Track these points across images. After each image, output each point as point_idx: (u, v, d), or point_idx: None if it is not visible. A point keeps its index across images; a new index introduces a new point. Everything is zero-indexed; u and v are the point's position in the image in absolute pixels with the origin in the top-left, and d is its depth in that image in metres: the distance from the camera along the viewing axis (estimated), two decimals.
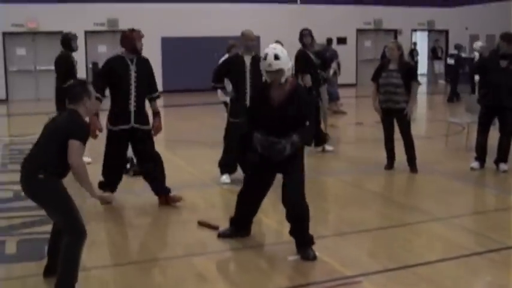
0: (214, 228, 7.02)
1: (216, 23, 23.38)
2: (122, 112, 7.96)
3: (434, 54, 26.21)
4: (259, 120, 6.18)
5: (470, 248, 6.44)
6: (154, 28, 23.09)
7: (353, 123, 16.44)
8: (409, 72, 9.86)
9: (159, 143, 12.86)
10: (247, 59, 8.95)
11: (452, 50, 21.76)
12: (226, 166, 9.30)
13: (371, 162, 10.53)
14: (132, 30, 7.98)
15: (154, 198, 8.11)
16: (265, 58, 5.97)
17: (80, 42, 22.97)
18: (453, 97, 20.28)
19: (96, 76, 8.17)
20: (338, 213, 8.10)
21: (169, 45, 24.07)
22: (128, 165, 9.45)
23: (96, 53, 24.08)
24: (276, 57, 5.98)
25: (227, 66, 9.26)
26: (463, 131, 13.01)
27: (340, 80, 19.86)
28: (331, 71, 17.71)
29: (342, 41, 25.66)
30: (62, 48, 10.58)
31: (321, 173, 10.29)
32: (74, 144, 5.09)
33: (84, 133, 5.24)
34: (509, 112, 9.71)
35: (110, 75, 7.99)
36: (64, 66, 10.32)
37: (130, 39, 7.92)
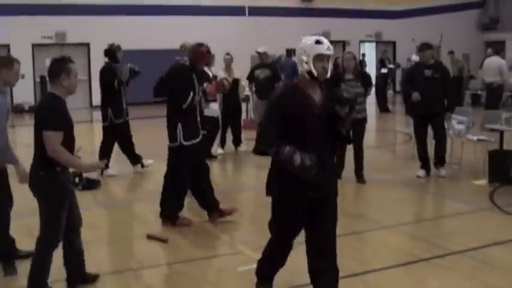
0: (164, 241, 7.02)
1: (166, 35, 23.28)
2: (196, 125, 7.79)
3: (382, 65, 26.58)
4: (292, 134, 4.71)
5: (416, 255, 6.57)
6: (103, 41, 22.85)
7: None
8: (369, 79, 10.12)
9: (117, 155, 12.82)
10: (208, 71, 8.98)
11: (389, 64, 22.31)
12: None
13: None
14: (201, 45, 7.87)
15: (104, 213, 8.06)
16: (319, 42, 4.69)
17: (27, 55, 22.94)
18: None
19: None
20: None
21: (129, 58, 23.80)
22: (77, 180, 9.36)
23: (43, 66, 23.64)
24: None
25: (170, 80, 9.10)
26: (410, 140, 13.23)
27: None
28: None
29: (291, 52, 25.82)
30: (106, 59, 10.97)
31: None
32: (45, 135, 5.04)
33: (55, 119, 5.08)
34: (439, 118, 10.06)
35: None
36: (108, 77, 10.53)
37: (202, 54, 7.81)
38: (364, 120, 9.91)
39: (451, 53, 23.06)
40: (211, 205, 7.84)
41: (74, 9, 23.38)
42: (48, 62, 19.38)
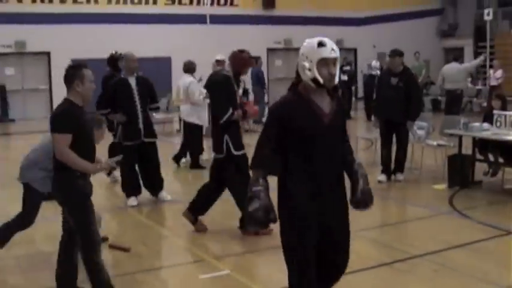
0: (126, 250, 6.99)
1: (127, 44, 23.03)
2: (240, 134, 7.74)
3: (342, 71, 26.82)
4: (298, 148, 4.23)
5: (378, 259, 6.64)
6: (64, 50, 22.74)
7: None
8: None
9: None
10: (132, 81, 8.97)
11: (345, 66, 22.45)
12: (130, 189, 9.28)
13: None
14: (242, 51, 7.79)
15: None
16: (322, 44, 4.15)
17: None
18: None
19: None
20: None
21: None
22: None
23: (3, 75, 23.41)
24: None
25: (112, 90, 9.13)
26: (372, 146, 13.37)
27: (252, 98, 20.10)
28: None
29: (255, 61, 25.95)
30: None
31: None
32: (53, 138, 5.08)
33: (62, 122, 5.09)
34: (403, 127, 10.22)
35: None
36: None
37: (245, 60, 7.74)
38: None
39: (417, 53, 23.26)
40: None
41: (33, 18, 23.11)
42: (8, 71, 19.31)
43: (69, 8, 24.05)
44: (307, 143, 4.18)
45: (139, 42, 23.37)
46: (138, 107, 8.96)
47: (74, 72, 5.19)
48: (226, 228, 7.87)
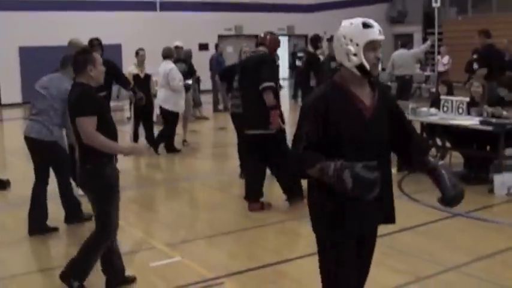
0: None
1: (76, 31, 22.65)
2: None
3: (294, 58, 26.90)
4: (334, 149, 3.57)
5: None
6: (11, 37, 22.32)
7: (216, 128, 16.57)
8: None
9: (20, 156, 12.53)
10: None
11: (299, 53, 22.62)
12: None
13: (233, 167, 10.66)
14: (272, 33, 8.63)
15: (13, 213, 7.85)
16: (368, 25, 3.75)
17: None
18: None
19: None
20: (202, 217, 8.17)
21: (27, 54, 23.13)
22: None
23: None
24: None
25: None
26: None
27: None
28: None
29: (203, 47, 25.82)
30: None
31: (185, 178, 10.34)
32: (79, 122, 5.01)
33: (86, 104, 5.05)
34: None
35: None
36: None
37: (278, 41, 8.58)
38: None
39: None
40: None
41: None
42: None
43: None
44: (347, 142, 3.58)
45: (89, 29, 23.04)
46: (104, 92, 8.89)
47: (86, 57, 5.22)
48: (177, 216, 7.87)
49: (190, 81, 12.68)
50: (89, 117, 5.00)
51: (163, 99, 12.24)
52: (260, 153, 8.14)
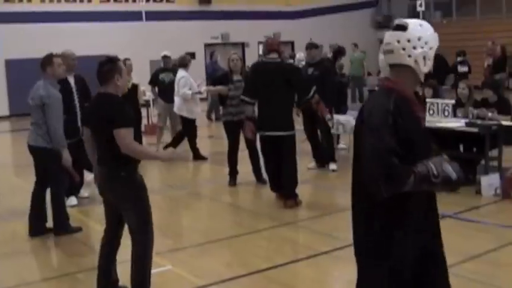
0: None
1: (63, 42, 22.59)
2: None
3: None
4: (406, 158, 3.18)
5: (317, 249, 6.74)
6: None
7: (205, 136, 16.57)
8: None
9: (8, 168, 12.51)
10: (71, 79, 8.89)
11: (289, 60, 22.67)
12: (69, 188, 9.20)
13: (223, 175, 10.68)
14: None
15: None
16: (434, 30, 3.46)
17: None
18: None
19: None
20: (191, 225, 8.19)
21: (14, 67, 23.09)
22: None
23: None
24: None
25: None
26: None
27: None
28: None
29: (191, 56, 25.84)
30: None
31: (173, 187, 10.35)
32: (119, 133, 4.98)
33: (124, 116, 5.06)
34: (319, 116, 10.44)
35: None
36: None
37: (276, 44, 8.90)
38: (254, 120, 10.03)
39: (355, 45, 23.77)
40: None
41: None
42: None
43: (1, 7, 23.49)
44: (414, 153, 3.24)
45: (75, 41, 23.07)
46: (77, 105, 8.89)
47: (113, 66, 5.20)
48: (167, 225, 7.88)
49: (202, 89, 12.70)
50: (128, 129, 5.04)
51: (178, 106, 12.44)
52: (275, 154, 8.70)
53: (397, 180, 3.12)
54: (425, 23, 3.39)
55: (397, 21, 3.38)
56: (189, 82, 12.29)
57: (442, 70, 13.04)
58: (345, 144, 12.33)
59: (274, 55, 8.67)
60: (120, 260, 5.61)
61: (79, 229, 7.67)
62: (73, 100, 8.84)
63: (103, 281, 5.48)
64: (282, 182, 8.70)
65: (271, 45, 8.77)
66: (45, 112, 7.21)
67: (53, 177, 7.46)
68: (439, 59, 13.22)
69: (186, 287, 5.75)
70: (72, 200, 9.11)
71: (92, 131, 5.32)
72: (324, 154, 10.88)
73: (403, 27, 3.33)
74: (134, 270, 5.26)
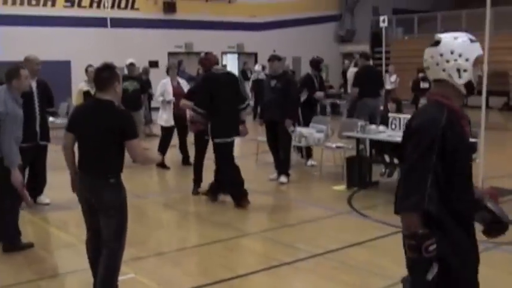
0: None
1: (26, 46, 22.38)
2: None
3: (244, 75, 27.10)
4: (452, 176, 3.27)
5: (280, 259, 6.79)
6: None
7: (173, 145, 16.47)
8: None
9: None
10: (33, 84, 8.85)
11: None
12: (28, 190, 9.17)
13: (186, 183, 10.67)
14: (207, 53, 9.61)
15: None
16: (474, 40, 3.40)
17: None
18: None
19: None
20: (153, 234, 8.17)
21: None
22: None
23: None
24: None
25: None
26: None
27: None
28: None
29: (153, 64, 25.76)
30: None
31: (135, 195, 10.31)
32: (132, 144, 5.01)
33: (132, 127, 5.08)
34: (280, 126, 10.67)
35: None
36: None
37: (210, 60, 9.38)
38: None
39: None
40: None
41: None
42: None
43: None
44: (459, 170, 3.29)
45: (37, 45, 22.77)
46: (37, 109, 8.89)
47: (112, 73, 5.18)
48: (130, 233, 7.83)
49: (172, 98, 12.60)
50: (138, 139, 5.12)
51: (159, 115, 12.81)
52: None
53: (411, 207, 3.19)
54: (462, 35, 3.39)
55: (435, 37, 3.42)
56: (163, 87, 12.38)
57: (374, 83, 13.22)
58: (315, 161, 12.28)
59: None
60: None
61: (30, 245, 7.27)
62: (33, 104, 8.81)
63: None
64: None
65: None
66: (0, 127, 6.67)
67: (4, 189, 6.89)
68: (372, 71, 13.91)
69: None
70: (44, 199, 9.28)
71: (82, 137, 5.24)
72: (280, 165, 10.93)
73: (436, 43, 3.38)
74: (104, 277, 5.25)
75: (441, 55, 3.33)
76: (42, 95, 9.03)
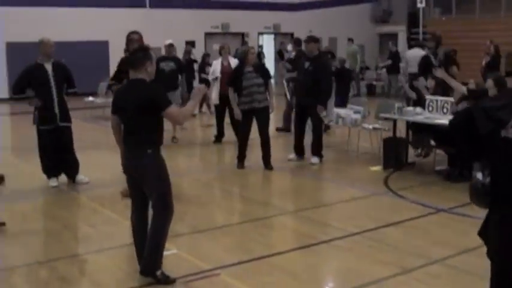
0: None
1: (64, 27, 22.76)
2: None
3: (280, 56, 27.15)
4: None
5: (316, 237, 6.95)
6: None
7: (204, 125, 16.70)
8: (266, 71, 10.46)
9: (6, 151, 12.66)
10: (48, 67, 9.06)
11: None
12: (49, 170, 9.45)
13: (223, 162, 10.89)
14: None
15: None
16: None
17: None
18: None
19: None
20: (195, 211, 8.37)
21: (15, 50, 23.07)
22: None
23: None
24: None
25: (28, 75, 9.16)
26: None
27: None
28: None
29: (190, 44, 25.95)
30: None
31: (176, 174, 10.52)
32: (170, 111, 5.46)
33: (163, 97, 5.54)
34: (313, 111, 10.67)
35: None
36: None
37: None
38: (267, 108, 10.27)
39: (350, 40, 23.89)
40: None
41: None
42: None
43: None
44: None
45: (76, 25, 23.18)
46: (54, 92, 9.09)
47: (145, 54, 5.60)
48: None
49: (218, 76, 12.87)
50: (172, 105, 5.56)
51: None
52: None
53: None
54: None
55: None
56: (215, 68, 12.92)
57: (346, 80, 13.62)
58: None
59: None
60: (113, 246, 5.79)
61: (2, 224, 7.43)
62: (50, 87, 9.03)
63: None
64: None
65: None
66: None
67: None
68: (343, 70, 14.51)
69: (193, 270, 5.93)
70: (53, 181, 9.40)
71: (122, 115, 5.64)
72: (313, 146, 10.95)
73: None
74: (150, 244, 5.59)
75: None
76: (59, 77, 9.18)
